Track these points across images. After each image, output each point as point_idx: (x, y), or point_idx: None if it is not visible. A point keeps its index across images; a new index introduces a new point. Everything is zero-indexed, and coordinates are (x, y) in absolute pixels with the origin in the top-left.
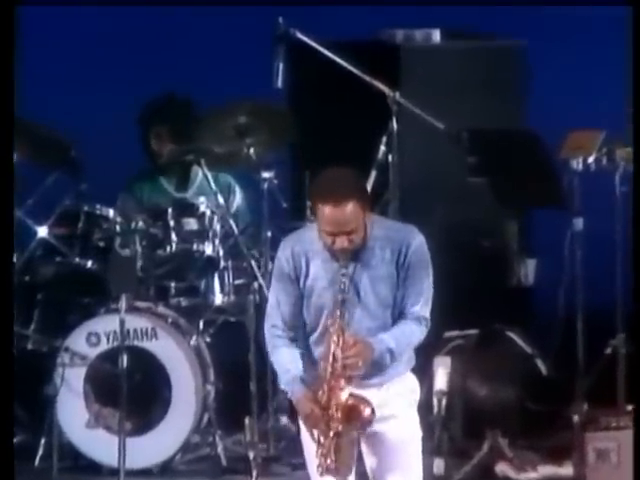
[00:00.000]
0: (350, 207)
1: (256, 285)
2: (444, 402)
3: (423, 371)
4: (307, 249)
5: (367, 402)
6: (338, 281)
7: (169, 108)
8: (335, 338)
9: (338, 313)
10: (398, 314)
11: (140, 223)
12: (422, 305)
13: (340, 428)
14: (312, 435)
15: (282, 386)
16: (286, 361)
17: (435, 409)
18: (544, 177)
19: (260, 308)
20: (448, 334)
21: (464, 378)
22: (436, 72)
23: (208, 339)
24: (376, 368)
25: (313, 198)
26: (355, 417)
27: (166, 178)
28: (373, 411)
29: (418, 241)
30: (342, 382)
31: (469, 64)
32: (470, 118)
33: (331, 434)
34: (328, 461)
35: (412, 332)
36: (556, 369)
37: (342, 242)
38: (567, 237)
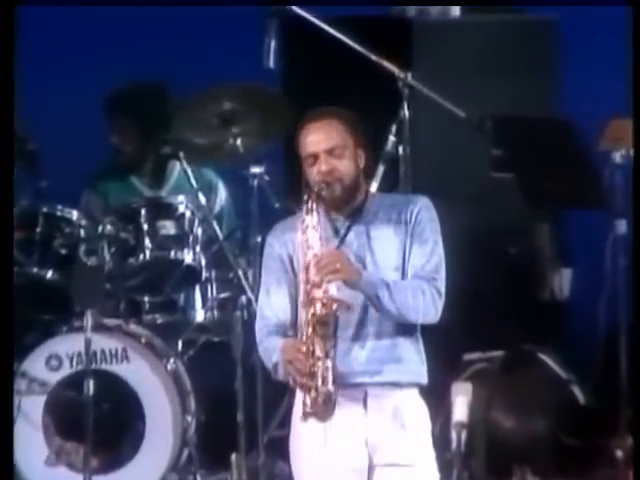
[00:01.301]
0: (333, 123)
1: (244, 299)
2: (464, 436)
3: (439, 399)
4: (299, 227)
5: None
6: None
7: (134, 96)
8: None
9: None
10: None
11: (108, 227)
12: (434, 267)
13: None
14: (296, 383)
15: (270, 365)
16: (276, 343)
17: (454, 444)
18: (581, 172)
19: (249, 326)
20: (468, 356)
21: (488, 407)
22: (454, 50)
23: (188, 362)
24: (371, 304)
25: (297, 130)
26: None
27: (137, 174)
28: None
29: (425, 201)
30: (315, 293)
31: (493, 41)
32: (495, 104)
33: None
34: (312, 401)
35: (419, 286)
36: (596, 397)
37: (326, 164)
38: (608, 242)
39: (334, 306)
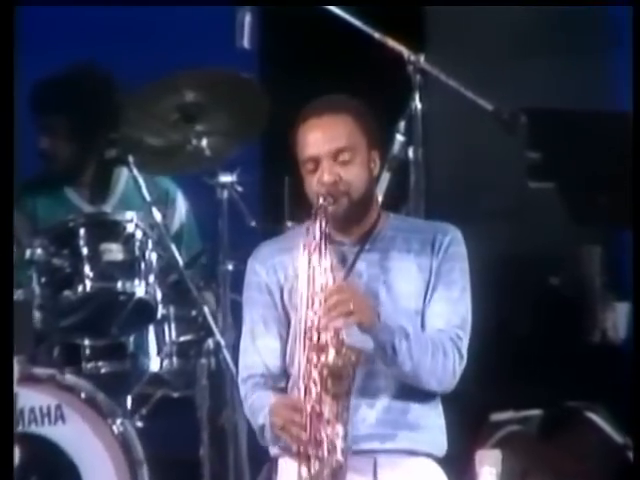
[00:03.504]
0: (342, 117)
1: (211, 343)
2: None
3: (460, 470)
4: (292, 247)
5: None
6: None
7: (65, 88)
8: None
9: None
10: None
11: (38, 251)
12: (461, 320)
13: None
14: (288, 450)
15: (255, 427)
16: (263, 399)
17: None
18: None
19: (217, 377)
20: (497, 417)
21: None
22: (479, 27)
23: (140, 423)
24: (382, 356)
25: (295, 126)
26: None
27: (73, 185)
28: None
29: (456, 233)
30: (324, 338)
31: (529, 17)
32: (531, 95)
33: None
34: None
35: (441, 345)
36: None
37: (330, 172)
38: None
39: (352, 357)
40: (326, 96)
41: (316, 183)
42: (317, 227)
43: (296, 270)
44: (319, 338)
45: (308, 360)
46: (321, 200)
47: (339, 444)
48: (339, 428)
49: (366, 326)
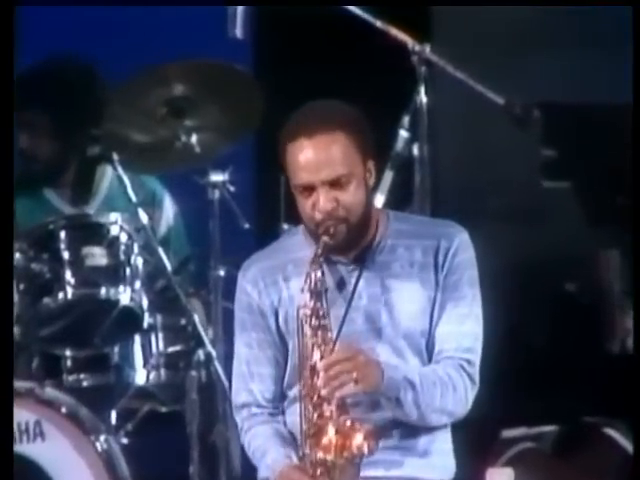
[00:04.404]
0: (336, 137)
1: (201, 355)
2: None
3: None
4: (286, 262)
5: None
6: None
7: (44, 80)
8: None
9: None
10: (429, 354)
11: (16, 255)
12: (472, 341)
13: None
14: None
15: (261, 474)
16: (263, 441)
17: None
18: None
19: (208, 391)
20: (509, 433)
21: None
22: (490, 15)
23: (125, 440)
24: (387, 405)
25: (281, 142)
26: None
27: (54, 185)
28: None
29: (462, 237)
30: (326, 409)
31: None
32: (545, 87)
33: None
34: None
35: (450, 379)
36: None
37: (327, 199)
38: None
39: (357, 457)
40: (314, 104)
41: (311, 208)
42: (312, 286)
43: (292, 296)
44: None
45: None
46: (319, 230)
47: None
48: None
49: (370, 391)
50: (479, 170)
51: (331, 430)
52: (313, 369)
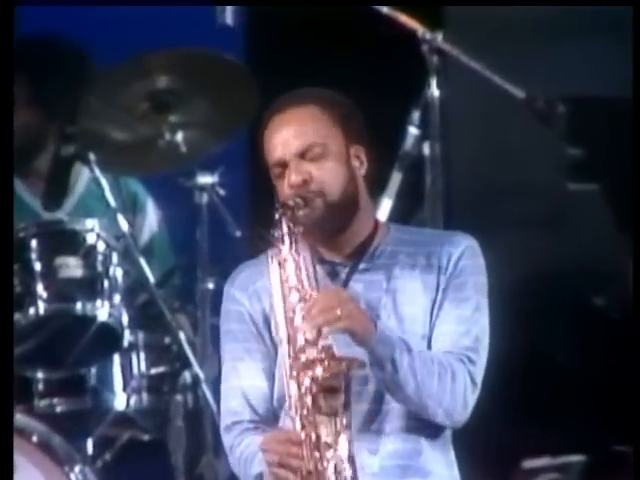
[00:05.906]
0: (309, 110)
1: (188, 377)
2: None
3: None
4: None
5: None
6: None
7: (32, 52)
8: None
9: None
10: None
11: None
12: (473, 342)
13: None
14: None
15: (250, 477)
16: (256, 447)
17: None
18: None
19: (195, 417)
20: (531, 463)
21: None
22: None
23: (102, 471)
24: (380, 374)
25: (259, 133)
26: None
27: (25, 186)
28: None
29: (469, 243)
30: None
31: None
32: (570, 80)
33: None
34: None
35: (449, 365)
36: None
37: (298, 172)
38: None
39: (343, 365)
40: (293, 91)
41: (286, 186)
42: (283, 230)
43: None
44: (302, 355)
45: (296, 383)
46: (290, 202)
47: (346, 472)
48: (341, 449)
49: (359, 336)
50: (497, 171)
51: (318, 369)
52: (292, 322)
